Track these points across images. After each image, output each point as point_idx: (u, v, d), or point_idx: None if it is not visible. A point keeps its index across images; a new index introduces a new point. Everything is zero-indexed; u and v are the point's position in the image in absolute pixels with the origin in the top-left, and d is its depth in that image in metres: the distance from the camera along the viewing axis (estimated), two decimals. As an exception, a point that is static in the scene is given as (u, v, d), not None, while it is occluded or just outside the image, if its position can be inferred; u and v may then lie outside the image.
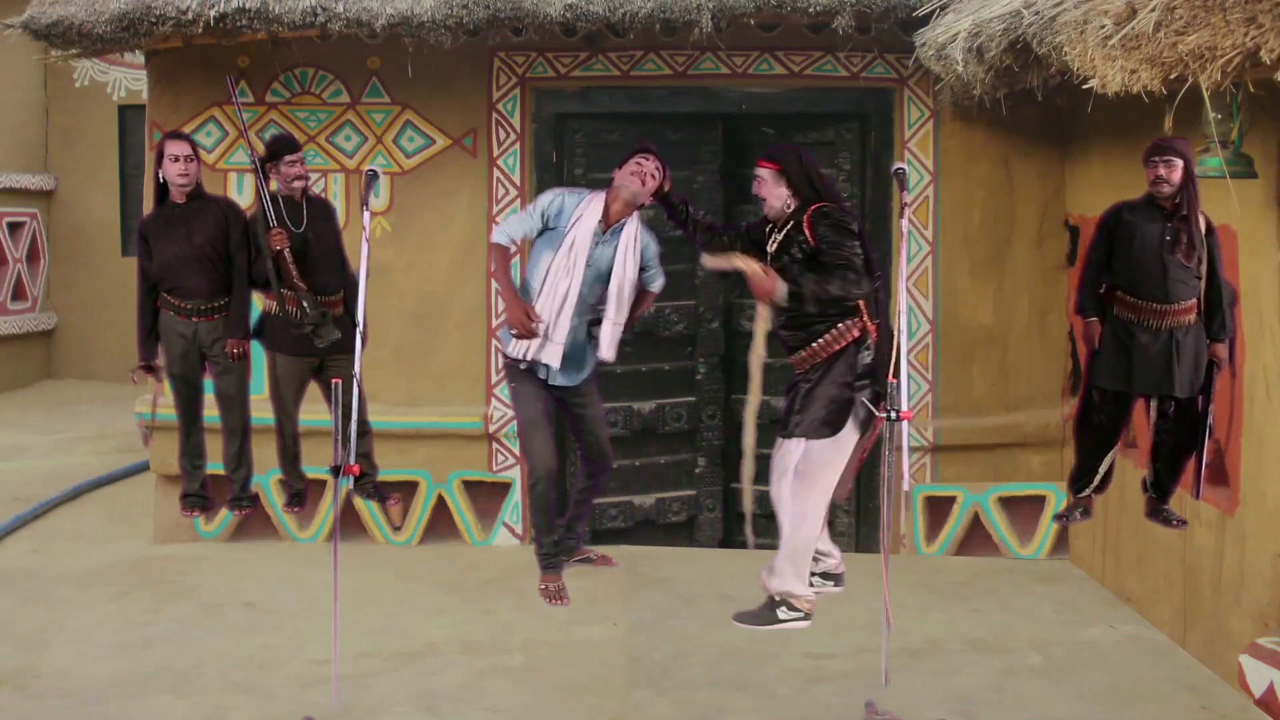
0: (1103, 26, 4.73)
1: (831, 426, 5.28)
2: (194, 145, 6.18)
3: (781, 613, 5.36)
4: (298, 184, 6.17)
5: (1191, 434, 5.79)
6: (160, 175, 6.11)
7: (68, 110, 14.42)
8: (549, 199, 5.72)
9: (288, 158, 6.14)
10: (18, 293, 14.06)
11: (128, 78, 14.03)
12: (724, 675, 6.28)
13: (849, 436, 5.32)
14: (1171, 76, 4.50)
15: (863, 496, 8.33)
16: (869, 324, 5.28)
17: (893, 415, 5.13)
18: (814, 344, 5.29)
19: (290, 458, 6.40)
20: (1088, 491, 6.04)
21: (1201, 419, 5.77)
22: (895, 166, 5.44)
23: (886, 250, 8.11)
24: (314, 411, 6.36)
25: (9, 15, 7.76)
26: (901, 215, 5.30)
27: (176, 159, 6.07)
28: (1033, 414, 8.16)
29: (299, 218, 6.16)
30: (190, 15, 7.15)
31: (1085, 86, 5.07)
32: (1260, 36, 4.00)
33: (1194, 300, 5.67)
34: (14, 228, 13.97)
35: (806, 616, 5.38)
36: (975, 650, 6.65)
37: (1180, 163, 5.59)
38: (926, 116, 8.15)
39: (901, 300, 5.37)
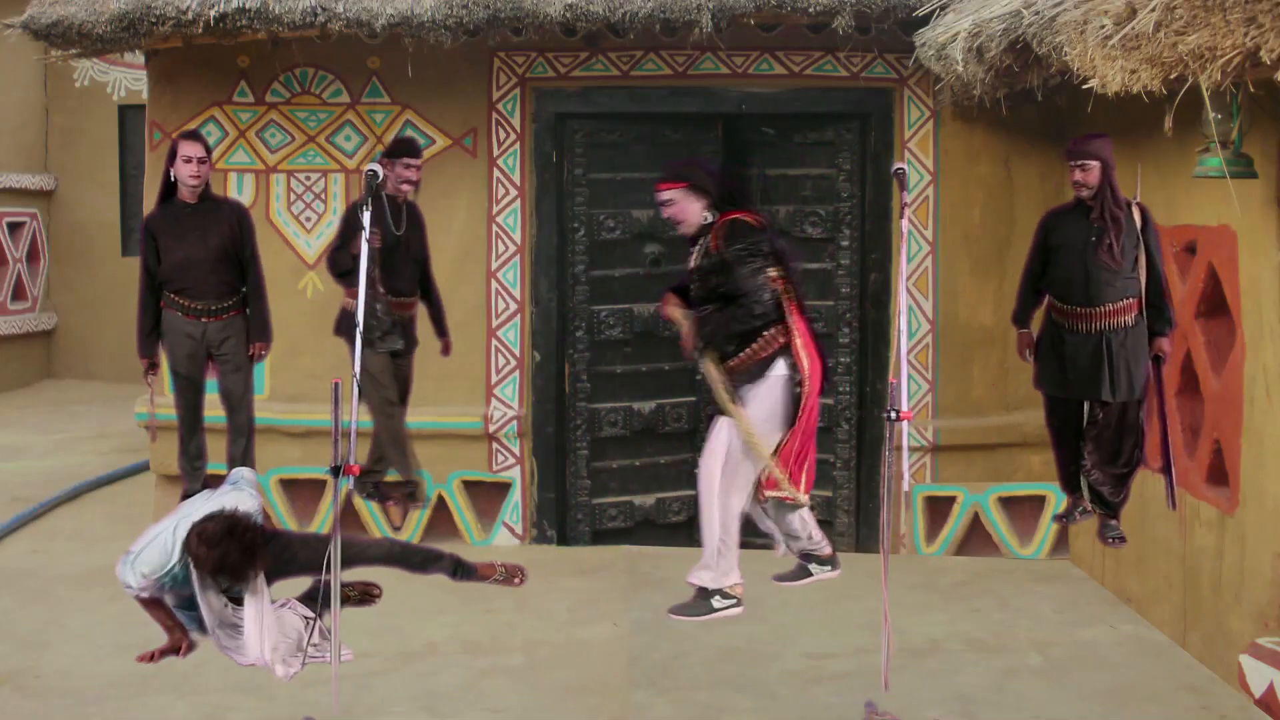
0: (1103, 26, 4.73)
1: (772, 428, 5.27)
2: (207, 147, 6.21)
3: (716, 601, 5.38)
4: (406, 188, 6.18)
5: (1126, 441, 5.68)
6: (171, 174, 6.12)
7: (68, 110, 14.40)
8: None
9: (406, 160, 6.16)
10: (18, 293, 14.05)
11: (128, 78, 14.01)
12: (724, 675, 6.28)
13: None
14: (1171, 76, 4.50)
15: (863, 496, 8.34)
16: (793, 327, 5.25)
17: (893, 415, 5.12)
18: (742, 353, 5.28)
19: (400, 452, 6.41)
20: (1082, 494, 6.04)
21: (1135, 425, 5.65)
22: (895, 166, 5.43)
23: (886, 250, 8.14)
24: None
25: (9, 15, 7.76)
26: (901, 215, 5.29)
27: (189, 159, 6.08)
28: (1033, 414, 8.07)
29: (399, 221, 6.17)
30: (190, 15, 7.15)
31: (1085, 86, 5.07)
32: (1260, 36, 4.00)
33: (1129, 300, 5.59)
34: (14, 228, 13.96)
35: (739, 602, 5.39)
36: (975, 650, 6.65)
37: (1096, 164, 5.54)
38: (926, 116, 8.15)
39: (901, 300, 5.37)
